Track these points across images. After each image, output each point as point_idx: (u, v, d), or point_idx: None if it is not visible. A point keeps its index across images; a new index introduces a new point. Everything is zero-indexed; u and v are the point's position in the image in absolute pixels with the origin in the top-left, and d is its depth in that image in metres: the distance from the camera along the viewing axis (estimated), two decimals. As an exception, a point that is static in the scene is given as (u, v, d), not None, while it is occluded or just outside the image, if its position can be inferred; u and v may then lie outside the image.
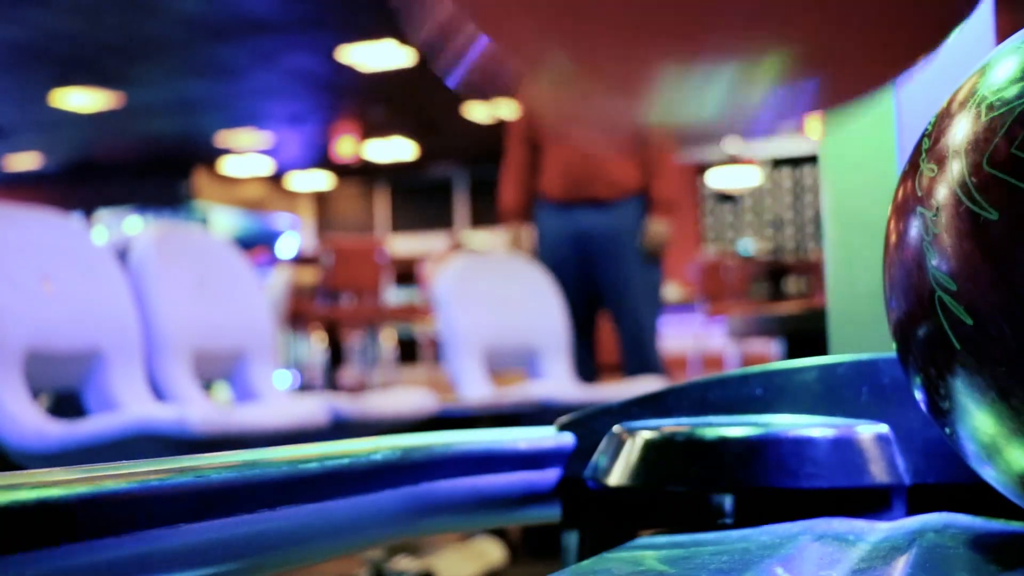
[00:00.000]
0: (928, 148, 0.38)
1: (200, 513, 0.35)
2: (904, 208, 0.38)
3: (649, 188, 3.38)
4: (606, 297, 3.39)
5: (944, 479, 0.43)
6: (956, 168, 0.36)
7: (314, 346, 5.50)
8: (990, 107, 0.35)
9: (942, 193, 0.36)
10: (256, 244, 11.99)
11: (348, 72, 9.56)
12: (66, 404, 1.93)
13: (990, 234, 0.34)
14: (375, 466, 0.41)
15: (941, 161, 0.36)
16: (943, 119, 0.38)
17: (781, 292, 6.55)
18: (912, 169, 0.38)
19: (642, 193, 3.39)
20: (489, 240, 8.54)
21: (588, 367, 3.40)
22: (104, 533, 0.32)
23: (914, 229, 0.37)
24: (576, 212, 3.37)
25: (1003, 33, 0.43)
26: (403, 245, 12.79)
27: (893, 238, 0.39)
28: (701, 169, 11.41)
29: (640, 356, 3.36)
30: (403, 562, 2.14)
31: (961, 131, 0.36)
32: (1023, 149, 0.34)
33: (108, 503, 0.32)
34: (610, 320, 3.46)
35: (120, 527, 0.32)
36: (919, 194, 0.37)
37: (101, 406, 1.80)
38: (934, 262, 0.36)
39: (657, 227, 3.34)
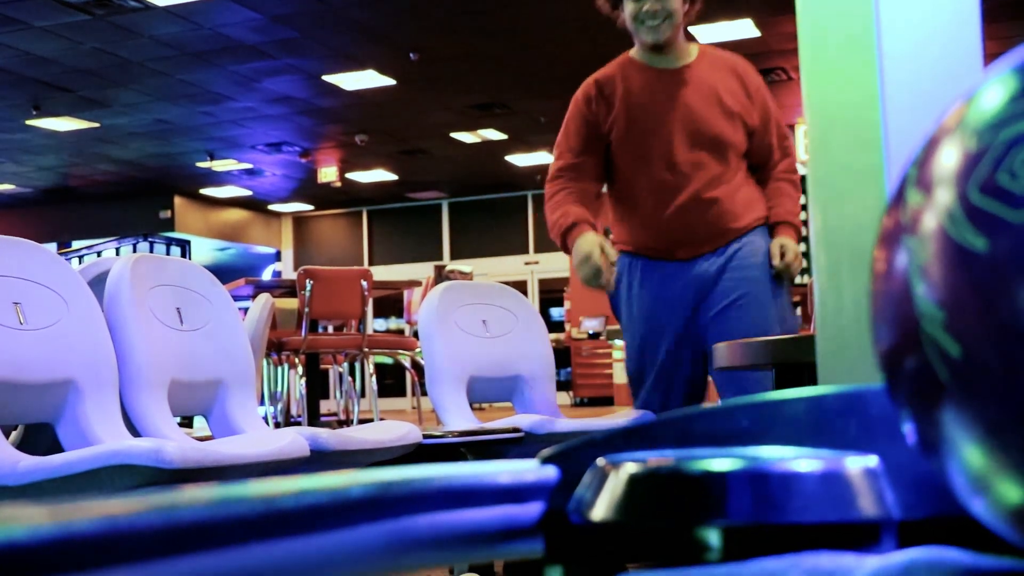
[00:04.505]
0: (915, 176, 0.37)
1: (171, 550, 0.33)
2: (891, 237, 0.38)
3: (770, 212, 2.57)
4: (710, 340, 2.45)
5: (934, 513, 0.42)
6: (943, 197, 0.35)
7: (295, 377, 5.47)
8: (978, 135, 0.35)
9: (929, 222, 0.36)
10: (235, 272, 11.95)
11: (330, 98, 9.59)
12: (39, 437, 1.90)
13: (977, 264, 0.34)
14: (353, 501, 0.40)
15: (928, 190, 0.36)
16: (931, 147, 0.37)
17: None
18: (899, 198, 0.38)
19: (758, 225, 2.57)
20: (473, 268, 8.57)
21: None
22: (69, 571, 0.31)
23: (901, 259, 0.37)
24: (677, 266, 2.52)
25: (991, 58, 0.42)
26: (386, 273, 12.78)
27: (880, 268, 0.39)
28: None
29: None
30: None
31: (948, 159, 0.36)
32: (1011, 178, 0.33)
33: (74, 541, 0.31)
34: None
35: (86, 565, 0.31)
36: (906, 223, 0.37)
37: (75, 439, 1.77)
38: (921, 292, 0.36)
39: (787, 243, 2.52)
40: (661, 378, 2.51)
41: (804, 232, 2.42)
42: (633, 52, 2.56)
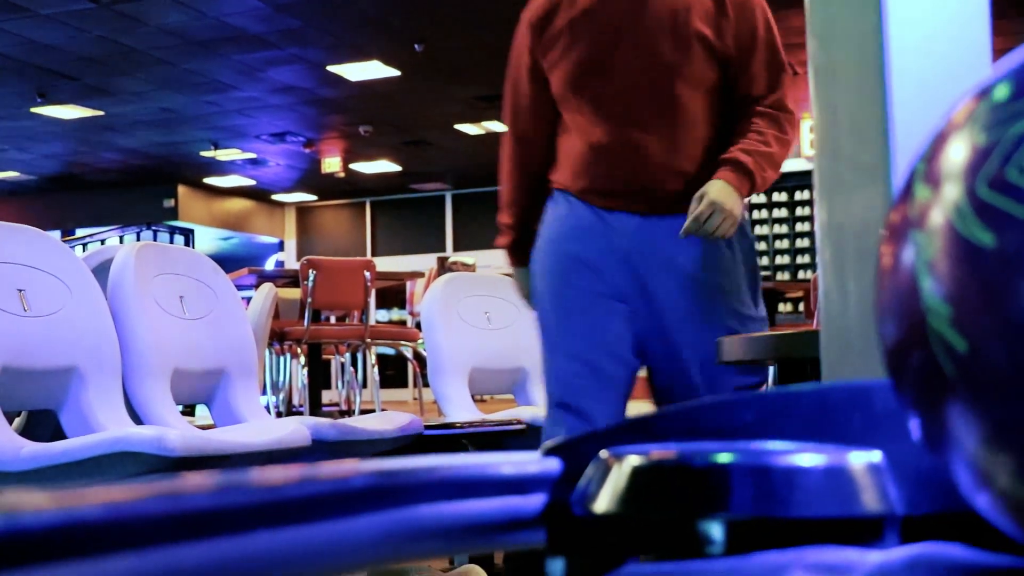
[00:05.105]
0: (923, 171, 0.37)
1: (173, 538, 0.34)
2: (898, 232, 0.38)
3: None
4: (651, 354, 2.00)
5: (938, 508, 0.42)
6: (951, 192, 0.35)
7: (297, 367, 5.48)
8: (987, 130, 0.35)
9: (936, 217, 0.35)
10: (239, 262, 11.97)
11: (335, 88, 9.58)
12: (42, 423, 1.90)
13: (985, 260, 0.34)
14: (355, 490, 0.40)
15: (936, 184, 0.36)
16: (939, 142, 0.37)
17: (774, 316, 6.57)
18: (907, 192, 0.38)
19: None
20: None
21: None
22: (71, 558, 0.31)
23: (907, 253, 0.37)
24: (597, 214, 2.00)
25: (1000, 53, 0.42)
26: (389, 264, 12.79)
27: (886, 262, 0.38)
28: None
29: None
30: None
31: (957, 154, 0.36)
32: (1019, 174, 0.33)
33: (76, 527, 0.31)
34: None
35: (89, 552, 0.31)
36: (913, 218, 0.37)
37: (78, 426, 1.77)
38: (927, 287, 0.35)
39: (708, 190, 1.88)
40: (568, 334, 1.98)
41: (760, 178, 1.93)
42: None
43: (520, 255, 2.15)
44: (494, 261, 13.43)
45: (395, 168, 12.95)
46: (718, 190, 1.87)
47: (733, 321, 1.95)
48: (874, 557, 0.39)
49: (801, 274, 11.08)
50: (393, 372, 12.20)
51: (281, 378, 5.58)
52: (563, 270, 1.99)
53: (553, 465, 0.46)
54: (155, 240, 10.25)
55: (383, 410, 4.14)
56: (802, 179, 11.30)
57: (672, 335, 1.93)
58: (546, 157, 2.10)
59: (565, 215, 2.01)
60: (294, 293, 5.22)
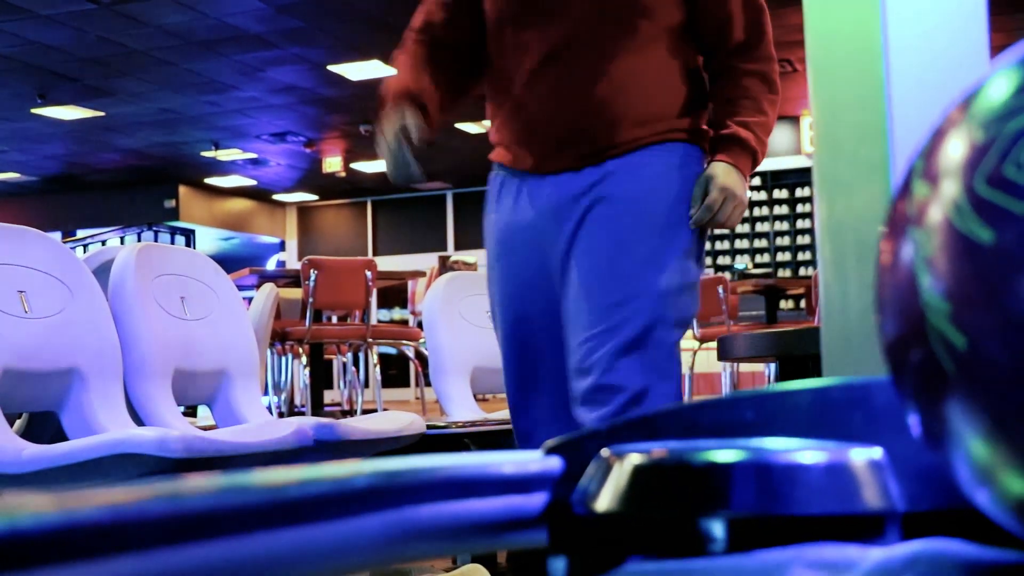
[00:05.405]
0: (922, 168, 0.37)
1: (175, 539, 0.34)
2: (896, 229, 0.38)
3: (714, 121, 1.76)
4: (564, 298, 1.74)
5: (938, 505, 0.42)
6: (949, 189, 0.35)
7: (299, 367, 5.48)
8: (984, 127, 0.35)
9: (935, 214, 0.36)
10: (240, 262, 11.97)
11: (336, 88, 9.58)
12: (43, 425, 1.91)
13: (983, 256, 0.34)
14: (357, 490, 0.40)
15: (934, 181, 0.36)
16: (937, 138, 0.37)
17: (775, 313, 6.57)
18: (905, 189, 0.38)
19: (661, 140, 1.72)
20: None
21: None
22: (73, 560, 0.31)
23: (906, 251, 0.37)
24: (538, 183, 1.77)
25: (997, 50, 0.42)
26: (390, 263, 12.79)
27: (885, 259, 0.38)
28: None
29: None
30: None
31: (955, 151, 0.36)
32: (1017, 170, 0.33)
33: (77, 529, 0.31)
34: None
35: (90, 554, 0.31)
36: (912, 215, 0.37)
37: (79, 428, 1.78)
38: (926, 285, 0.35)
39: (716, 175, 1.69)
40: (514, 360, 1.81)
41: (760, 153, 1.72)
42: None
43: (400, 91, 1.77)
44: (495, 260, 13.40)
45: (396, 167, 12.94)
46: (725, 173, 1.68)
47: (671, 287, 1.69)
48: (875, 554, 0.39)
49: (802, 271, 11.09)
50: (395, 371, 12.21)
51: (283, 378, 5.59)
52: (502, 264, 1.83)
53: (554, 464, 0.46)
54: (156, 241, 10.28)
55: (385, 410, 4.14)
56: (803, 176, 11.30)
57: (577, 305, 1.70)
58: (458, 62, 1.84)
59: (503, 194, 1.81)
60: (295, 293, 5.22)
